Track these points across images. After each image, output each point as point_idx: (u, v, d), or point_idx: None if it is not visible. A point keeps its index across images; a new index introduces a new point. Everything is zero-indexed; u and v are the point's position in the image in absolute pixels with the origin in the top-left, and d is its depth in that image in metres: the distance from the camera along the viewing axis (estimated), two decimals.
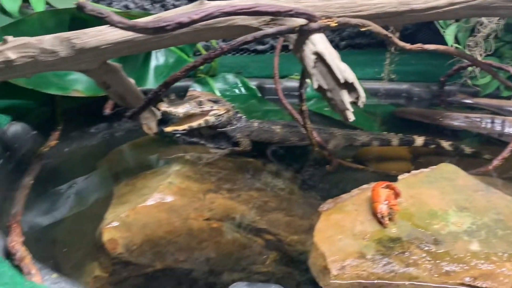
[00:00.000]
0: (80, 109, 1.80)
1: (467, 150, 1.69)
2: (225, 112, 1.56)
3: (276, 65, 1.88)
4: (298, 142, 1.65)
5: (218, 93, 2.14)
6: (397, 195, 1.13)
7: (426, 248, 1.01)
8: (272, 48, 2.87)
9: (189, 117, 1.50)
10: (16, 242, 0.84)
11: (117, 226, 1.06)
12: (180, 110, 1.47)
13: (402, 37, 2.18)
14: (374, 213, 1.09)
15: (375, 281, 0.95)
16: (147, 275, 1.02)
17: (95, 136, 1.74)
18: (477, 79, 2.14)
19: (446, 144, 1.70)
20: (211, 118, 1.53)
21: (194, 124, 1.51)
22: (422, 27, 2.90)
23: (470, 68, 2.07)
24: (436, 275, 0.95)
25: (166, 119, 1.52)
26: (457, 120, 1.97)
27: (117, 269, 1.01)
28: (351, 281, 0.95)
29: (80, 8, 0.75)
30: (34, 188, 1.30)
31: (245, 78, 2.24)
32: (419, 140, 1.70)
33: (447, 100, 2.24)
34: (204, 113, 1.52)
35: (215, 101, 1.55)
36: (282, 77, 2.34)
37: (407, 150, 1.74)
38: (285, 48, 2.09)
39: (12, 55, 1.17)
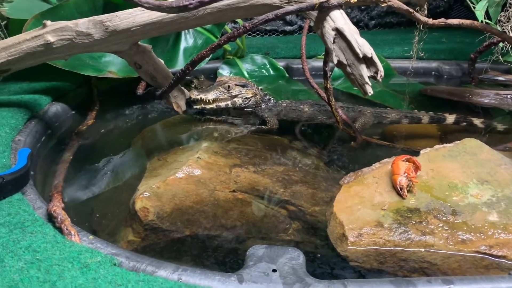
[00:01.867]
0: (114, 90, 1.89)
1: (499, 127, 1.67)
2: (252, 96, 1.62)
3: (303, 45, 1.90)
4: (326, 120, 1.68)
5: (246, 74, 2.18)
6: (417, 168, 1.15)
7: (444, 218, 1.03)
8: (300, 28, 2.89)
9: None
10: (57, 207, 0.93)
11: (149, 196, 1.14)
12: (210, 96, 1.56)
13: (433, 16, 2.16)
14: (394, 185, 1.12)
15: (391, 248, 0.99)
16: (176, 240, 1.09)
17: (129, 116, 1.82)
18: (509, 55, 2.09)
19: (478, 122, 1.69)
20: (238, 100, 1.61)
21: (222, 104, 1.58)
22: (454, 4, 2.84)
23: (501, 44, 2.03)
24: (451, 243, 0.98)
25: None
26: (487, 97, 1.94)
27: (148, 235, 1.09)
28: (367, 247, 0.99)
29: None
30: (73, 164, 1.39)
31: (272, 59, 2.28)
32: (450, 118, 1.69)
33: (478, 78, 2.20)
34: (232, 97, 1.60)
35: (243, 85, 1.62)
36: (309, 57, 2.37)
37: (436, 128, 1.74)
38: (312, 28, 2.11)
39: (51, 38, 1.25)
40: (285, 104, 1.68)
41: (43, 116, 1.52)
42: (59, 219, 0.89)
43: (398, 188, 1.10)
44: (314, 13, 1.12)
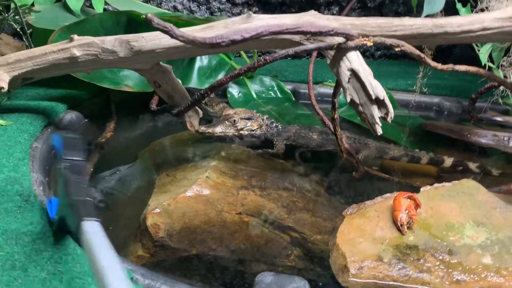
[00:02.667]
0: (126, 102, 1.94)
1: (494, 171, 1.73)
2: (258, 128, 1.70)
3: (311, 72, 1.97)
4: (333, 149, 1.74)
5: (254, 94, 2.24)
6: (417, 206, 1.21)
7: (440, 257, 1.09)
8: (309, 54, 2.96)
9: None
10: None
11: (160, 213, 1.18)
12: (217, 130, 1.65)
13: (437, 51, 2.24)
14: (394, 221, 1.17)
15: (390, 283, 1.04)
16: (183, 259, 1.13)
17: (139, 128, 1.87)
18: (509, 98, 2.17)
19: (473, 166, 1.73)
20: (244, 133, 1.70)
21: (229, 133, 1.66)
22: None
23: (502, 87, 2.11)
24: (447, 283, 1.04)
25: (206, 117, 1.65)
26: (485, 137, 2.00)
27: (157, 251, 1.13)
28: (368, 281, 1.04)
29: (147, 21, 0.86)
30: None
31: (281, 82, 2.35)
32: (448, 161, 1.74)
33: (477, 117, 2.27)
34: (238, 130, 1.68)
35: (249, 118, 1.70)
36: (316, 83, 2.44)
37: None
38: (320, 54, 2.17)
39: (77, 52, 1.30)
40: (294, 130, 1.74)
41: (59, 124, 1.57)
42: None
43: (399, 224, 1.15)
44: (331, 52, 1.18)
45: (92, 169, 1.43)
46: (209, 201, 1.28)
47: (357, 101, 1.12)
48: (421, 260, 1.07)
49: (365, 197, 1.35)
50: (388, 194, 1.32)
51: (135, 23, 1.67)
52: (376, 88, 1.10)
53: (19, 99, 1.64)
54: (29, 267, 0.82)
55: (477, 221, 1.20)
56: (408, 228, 1.15)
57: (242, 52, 2.23)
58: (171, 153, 1.69)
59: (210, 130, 1.63)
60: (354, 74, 1.12)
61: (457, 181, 1.36)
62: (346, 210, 1.29)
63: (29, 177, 1.15)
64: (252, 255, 1.17)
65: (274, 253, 1.19)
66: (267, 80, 2.32)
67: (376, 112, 1.10)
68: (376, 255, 1.09)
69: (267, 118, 1.75)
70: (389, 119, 1.11)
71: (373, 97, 1.09)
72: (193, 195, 1.28)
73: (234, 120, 1.66)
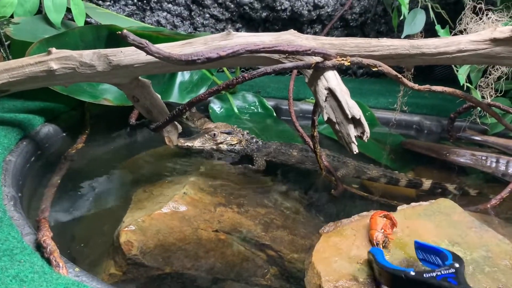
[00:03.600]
0: (104, 115, 1.93)
1: (472, 192, 1.74)
2: (237, 143, 1.71)
3: (291, 89, 1.98)
4: (312, 167, 1.74)
5: (236, 110, 2.24)
6: (393, 225, 1.21)
7: None
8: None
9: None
10: (47, 237, 0.95)
11: (134, 230, 1.16)
12: (196, 144, 1.64)
13: (418, 71, 2.27)
14: (370, 240, 1.17)
15: None
16: (156, 277, 1.11)
17: (118, 142, 1.85)
18: (486, 118, 2.21)
19: (451, 188, 1.75)
20: (223, 146, 1.69)
21: (207, 147, 1.65)
22: None
23: (479, 108, 2.14)
24: None
25: (187, 132, 1.64)
26: (463, 157, 2.03)
27: (130, 269, 1.11)
28: None
29: (123, 37, 0.86)
30: (59, 188, 1.41)
31: (263, 98, 2.36)
32: (427, 184, 1.75)
33: (456, 136, 2.30)
34: (217, 144, 1.68)
35: (228, 133, 1.70)
36: (298, 99, 2.46)
37: None
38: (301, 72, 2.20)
39: (54, 66, 1.29)
40: (274, 146, 1.74)
41: (35, 137, 1.54)
42: (48, 249, 0.91)
43: (375, 243, 1.15)
44: (310, 71, 1.19)
45: (59, 181, 1.40)
46: (185, 218, 1.27)
47: (334, 120, 1.12)
48: None
49: (343, 215, 1.35)
50: (365, 213, 1.32)
51: (116, 38, 1.65)
52: (353, 108, 1.11)
53: None
54: None
55: (452, 241, 1.21)
56: (383, 247, 1.15)
57: (224, 68, 2.24)
58: (150, 168, 1.68)
59: (189, 143, 1.62)
60: (331, 93, 1.13)
61: (434, 200, 1.37)
62: (323, 228, 1.29)
63: (0, 191, 1.13)
64: (227, 274, 1.16)
65: (250, 272, 1.17)
66: (249, 96, 2.33)
67: (353, 131, 1.10)
68: (351, 274, 1.08)
69: (247, 133, 1.75)
70: (365, 138, 1.12)
71: (350, 116, 1.10)
72: (169, 211, 1.26)
73: (214, 134, 1.66)
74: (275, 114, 2.33)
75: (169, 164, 1.69)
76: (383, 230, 1.17)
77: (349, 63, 1.17)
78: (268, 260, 1.22)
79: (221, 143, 1.67)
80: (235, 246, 1.24)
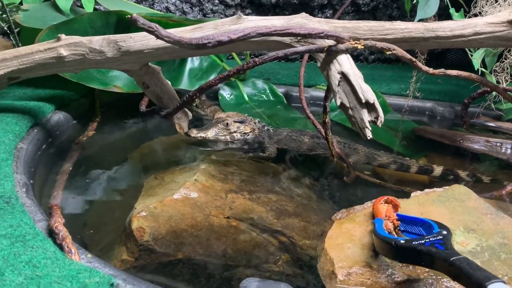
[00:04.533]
0: (116, 103, 1.92)
1: (485, 179, 1.71)
2: (251, 131, 1.68)
3: (302, 75, 1.96)
4: (324, 153, 1.73)
5: (246, 97, 2.22)
6: (396, 207, 1.19)
7: None
8: (301, 56, 2.95)
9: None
10: (59, 223, 0.95)
11: (146, 216, 1.16)
12: (209, 134, 1.61)
13: (431, 56, 2.23)
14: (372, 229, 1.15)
15: None
16: (168, 263, 1.11)
17: (129, 130, 1.85)
18: (501, 104, 2.17)
19: (464, 175, 1.72)
20: (237, 135, 1.67)
21: (221, 137, 1.63)
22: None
23: (494, 93, 2.10)
24: None
25: (197, 120, 1.63)
26: (478, 143, 2.00)
27: (142, 255, 1.11)
28: (355, 287, 1.02)
29: (133, 22, 0.85)
30: (70, 175, 1.41)
31: (273, 85, 2.33)
32: (438, 170, 1.72)
33: (469, 122, 2.26)
34: (231, 133, 1.66)
35: (241, 122, 1.67)
36: (308, 86, 2.43)
37: None
38: (312, 57, 2.16)
39: (64, 52, 1.28)
40: (285, 133, 1.73)
41: (46, 124, 1.54)
42: (60, 236, 0.91)
43: (387, 232, 1.13)
44: (322, 55, 1.16)
45: (71, 168, 1.40)
46: (197, 205, 1.26)
47: (347, 105, 1.10)
48: (410, 267, 1.06)
49: (355, 202, 1.33)
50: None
51: (125, 24, 1.65)
52: (367, 92, 1.08)
53: (5, 99, 1.61)
54: (6, 271, 0.80)
55: (467, 227, 1.19)
56: (396, 233, 1.13)
57: (234, 54, 2.22)
58: (161, 155, 1.67)
59: (202, 134, 1.61)
60: (344, 77, 1.11)
61: (448, 187, 1.35)
62: (335, 214, 1.27)
63: (12, 178, 1.13)
64: (238, 260, 1.15)
65: (262, 259, 1.17)
66: (259, 82, 2.30)
67: (366, 116, 1.08)
68: (364, 261, 1.07)
69: (258, 121, 1.74)
70: (379, 123, 1.09)
71: (363, 101, 1.07)
72: (180, 198, 1.26)
73: (227, 123, 1.64)
74: (285, 101, 2.30)
75: (180, 151, 1.68)
76: (387, 217, 1.14)
77: (362, 47, 1.14)
78: (280, 247, 1.21)
79: (235, 132, 1.66)
80: (247, 232, 1.23)
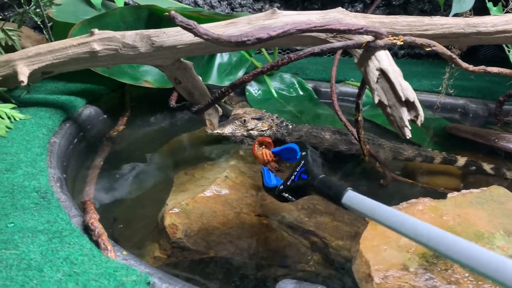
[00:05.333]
0: (145, 98, 1.92)
1: (509, 175, 1.66)
2: (268, 128, 1.64)
3: (334, 74, 1.92)
4: (346, 151, 1.69)
5: (274, 92, 2.20)
6: (269, 144, 1.27)
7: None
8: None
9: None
10: (94, 220, 0.95)
11: (178, 213, 1.15)
12: (226, 130, 1.56)
13: (462, 52, 2.16)
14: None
15: None
16: (200, 261, 1.10)
17: (157, 124, 1.85)
18: None
19: (488, 167, 1.68)
20: (254, 133, 1.61)
21: (238, 133, 1.59)
22: None
23: None
24: None
25: (227, 115, 1.62)
26: None
27: (174, 252, 1.10)
28: None
29: (171, 19, 0.83)
30: (101, 169, 1.42)
31: (301, 79, 2.29)
32: (461, 161, 1.70)
33: (504, 120, 2.20)
34: (248, 130, 1.61)
35: (259, 118, 1.62)
36: (338, 81, 2.39)
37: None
38: (344, 52, 2.12)
39: (97, 47, 1.28)
40: (305, 129, 1.69)
41: (77, 119, 1.55)
42: (96, 232, 0.91)
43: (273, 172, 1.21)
44: (359, 51, 1.13)
45: (102, 163, 1.40)
46: (228, 202, 1.25)
47: (386, 103, 1.07)
48: (449, 271, 1.02)
49: (387, 202, 1.29)
50: (413, 200, 1.27)
51: (156, 18, 1.65)
52: (406, 90, 1.05)
53: (38, 93, 1.63)
54: (45, 267, 0.80)
55: (507, 231, 1.14)
56: (278, 171, 1.22)
57: (263, 49, 2.19)
58: (190, 151, 1.67)
59: (218, 130, 1.56)
60: (383, 74, 1.08)
61: (485, 188, 1.30)
62: None
63: (47, 173, 1.14)
64: (271, 259, 1.14)
65: (294, 258, 1.15)
66: (287, 77, 2.27)
67: (406, 115, 1.05)
68: (402, 264, 1.04)
69: (276, 117, 1.69)
70: (418, 122, 1.06)
71: (403, 99, 1.04)
72: (211, 195, 1.25)
73: (244, 120, 1.60)
74: (315, 95, 2.26)
75: (209, 147, 1.67)
76: (267, 160, 1.23)
77: (402, 43, 1.11)
78: (311, 247, 1.19)
79: (252, 129, 1.62)
80: (278, 231, 1.21)
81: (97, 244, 0.89)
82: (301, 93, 2.24)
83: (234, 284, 1.01)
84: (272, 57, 2.29)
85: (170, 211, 1.15)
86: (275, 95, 2.18)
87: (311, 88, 2.26)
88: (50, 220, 0.93)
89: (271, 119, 1.67)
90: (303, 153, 1.11)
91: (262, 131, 1.63)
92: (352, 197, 0.89)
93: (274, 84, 2.24)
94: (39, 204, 0.99)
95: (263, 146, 1.30)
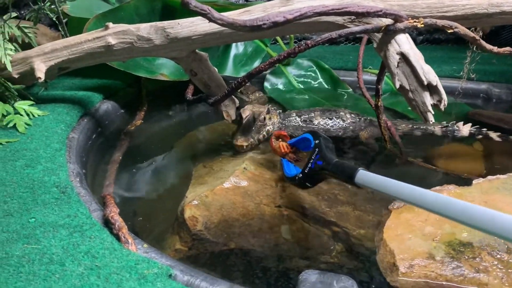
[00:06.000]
0: (160, 91, 1.92)
1: None
2: (277, 118, 1.58)
3: (361, 55, 1.87)
4: (352, 136, 1.65)
5: (292, 79, 2.16)
6: (285, 137, 1.32)
7: (498, 256, 1.00)
8: (347, 39, 2.86)
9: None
10: (114, 213, 0.94)
11: (198, 205, 1.14)
12: (254, 140, 1.45)
13: (484, 35, 2.10)
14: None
15: (443, 283, 0.96)
16: (221, 253, 1.09)
17: (174, 117, 1.84)
18: None
19: (494, 135, 1.67)
20: (270, 128, 1.53)
21: (261, 137, 1.49)
22: (506, 25, 2.76)
23: None
24: (507, 284, 0.95)
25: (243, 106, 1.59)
26: None
27: (195, 244, 1.09)
28: (418, 280, 0.97)
29: (184, 5, 0.82)
30: (119, 164, 1.42)
31: (319, 60, 2.24)
32: (465, 130, 1.67)
33: None
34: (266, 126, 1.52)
35: (268, 112, 1.54)
36: (354, 69, 2.34)
37: (478, 150, 1.69)
38: (359, 39, 2.08)
39: (112, 41, 1.28)
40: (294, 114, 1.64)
41: (95, 114, 1.55)
42: (116, 226, 0.90)
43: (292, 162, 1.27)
44: (379, 35, 1.10)
45: (121, 158, 1.40)
46: (247, 193, 1.23)
47: (407, 87, 1.04)
48: (477, 259, 0.99)
49: None
50: (438, 187, 1.24)
51: (170, 10, 1.63)
52: (429, 74, 1.02)
53: (55, 89, 1.64)
54: (66, 262, 0.80)
55: None
56: (296, 161, 1.28)
57: (278, 38, 2.16)
58: (207, 143, 1.66)
59: (244, 143, 1.42)
60: (404, 58, 1.04)
61: None
62: (392, 203, 1.22)
63: (66, 168, 1.14)
64: (292, 251, 1.12)
65: (316, 249, 1.13)
66: (304, 61, 2.20)
67: (428, 99, 1.02)
68: (427, 252, 1.01)
69: (274, 108, 1.62)
70: (442, 107, 1.03)
71: (425, 83, 1.01)
72: (231, 186, 1.24)
73: (264, 118, 1.50)
74: (335, 74, 2.20)
75: (226, 139, 1.66)
76: (285, 152, 1.29)
77: (422, 25, 1.07)
78: (333, 237, 1.17)
79: (269, 126, 1.53)
80: (299, 222, 1.19)
81: (117, 237, 0.89)
82: (319, 74, 2.19)
83: (256, 276, 1.00)
84: (287, 47, 2.25)
85: (190, 204, 1.15)
86: (293, 83, 2.14)
87: (328, 67, 2.21)
88: (70, 214, 0.94)
89: (271, 109, 1.59)
90: (316, 141, 1.16)
91: (275, 123, 1.57)
92: (364, 175, 0.94)
93: (292, 72, 2.19)
94: (60, 199, 0.99)
95: (280, 140, 1.34)
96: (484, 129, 1.67)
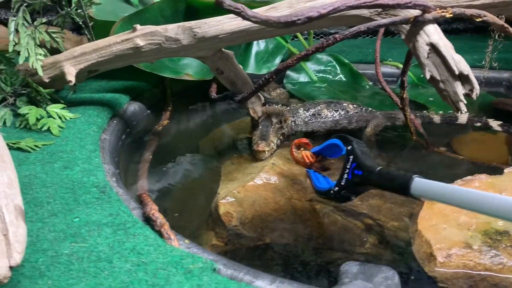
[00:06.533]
0: (184, 91, 1.94)
1: None
2: (289, 120, 1.55)
3: (378, 48, 1.88)
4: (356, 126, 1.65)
5: (312, 75, 2.16)
6: (307, 145, 1.25)
7: None
8: (364, 32, 2.85)
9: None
10: (155, 210, 0.96)
11: (231, 201, 1.16)
12: (273, 144, 1.41)
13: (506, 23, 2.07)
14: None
15: (482, 272, 0.96)
16: (256, 247, 1.11)
17: (199, 116, 1.87)
18: None
19: (494, 124, 1.68)
20: (285, 131, 1.50)
21: (278, 142, 1.45)
22: None
23: None
24: None
25: (269, 103, 1.61)
26: None
27: (231, 240, 1.11)
28: (457, 270, 0.97)
29: (218, 3, 0.83)
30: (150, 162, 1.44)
31: (339, 55, 2.24)
32: (463, 118, 1.68)
33: None
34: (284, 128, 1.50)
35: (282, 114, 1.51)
36: (373, 62, 2.33)
37: (503, 138, 1.69)
38: (377, 31, 2.07)
39: (140, 42, 1.30)
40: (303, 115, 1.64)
41: (123, 115, 1.58)
42: (158, 222, 0.92)
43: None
44: (406, 27, 1.10)
45: (151, 157, 1.43)
46: (278, 189, 1.25)
47: (438, 78, 1.04)
48: None
49: (440, 180, 1.26)
50: (469, 177, 1.23)
51: (193, 10, 1.65)
52: (460, 63, 1.02)
53: (83, 92, 1.67)
54: (113, 259, 0.82)
55: None
56: (324, 170, 1.24)
57: (298, 34, 2.16)
58: (232, 141, 1.67)
59: (266, 148, 1.36)
60: (434, 48, 1.04)
61: None
62: None
63: (102, 168, 1.16)
64: (327, 244, 1.13)
65: (350, 242, 1.14)
66: (322, 56, 2.21)
67: (460, 89, 1.02)
68: (464, 242, 1.01)
69: (281, 106, 1.62)
70: (474, 96, 1.03)
71: (457, 73, 1.01)
72: (261, 182, 1.25)
73: (280, 120, 1.47)
74: (354, 68, 2.21)
75: (251, 136, 1.67)
76: (310, 162, 1.22)
77: (451, 15, 1.07)
78: (366, 229, 1.18)
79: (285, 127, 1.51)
80: (331, 215, 1.20)
81: (160, 234, 0.91)
82: (339, 69, 2.19)
83: (295, 269, 1.01)
84: (307, 42, 2.26)
85: (223, 200, 1.17)
86: (314, 78, 2.14)
87: (348, 62, 2.21)
88: (112, 213, 0.96)
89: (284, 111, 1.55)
90: (348, 147, 1.05)
91: (289, 125, 1.53)
92: (421, 184, 0.82)
93: (312, 67, 2.19)
94: (100, 199, 1.01)
95: (302, 148, 1.26)
96: (483, 118, 1.72)
